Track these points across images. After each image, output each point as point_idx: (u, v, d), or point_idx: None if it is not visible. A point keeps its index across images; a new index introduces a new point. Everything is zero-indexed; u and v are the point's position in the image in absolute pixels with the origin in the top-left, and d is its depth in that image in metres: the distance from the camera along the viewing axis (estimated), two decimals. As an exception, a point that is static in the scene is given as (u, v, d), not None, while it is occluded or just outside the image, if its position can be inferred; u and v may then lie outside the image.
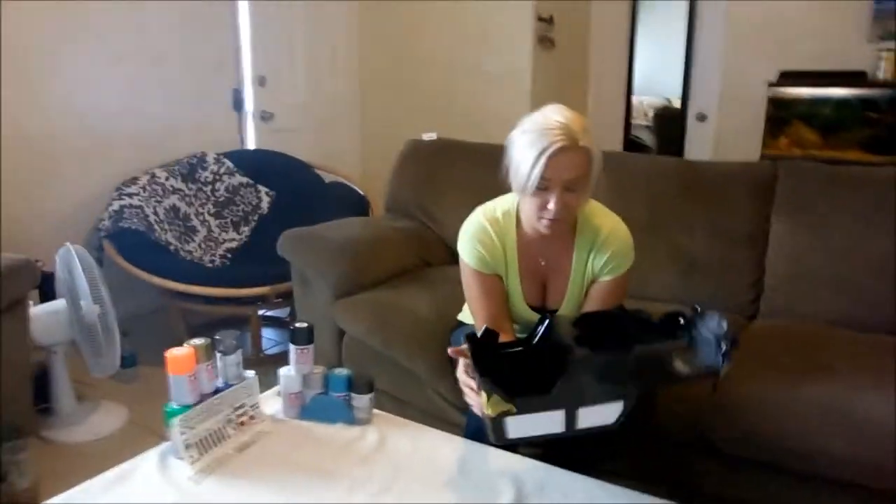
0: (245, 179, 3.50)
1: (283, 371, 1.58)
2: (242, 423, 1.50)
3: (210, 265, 3.17)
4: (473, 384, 1.29)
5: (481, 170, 2.16)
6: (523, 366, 1.34)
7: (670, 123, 5.05)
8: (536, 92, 3.94)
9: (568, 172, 1.42)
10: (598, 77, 4.61)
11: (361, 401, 1.56)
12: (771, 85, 3.62)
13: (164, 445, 1.43)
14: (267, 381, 1.63)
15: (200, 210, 3.34)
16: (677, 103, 5.07)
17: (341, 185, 3.60)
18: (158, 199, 3.17)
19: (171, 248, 3.06)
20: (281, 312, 3.40)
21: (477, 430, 1.45)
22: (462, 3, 4.04)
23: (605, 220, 1.61)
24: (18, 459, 1.94)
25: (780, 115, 3.60)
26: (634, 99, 5.13)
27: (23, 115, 2.89)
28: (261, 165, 3.57)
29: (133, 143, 3.31)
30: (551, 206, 1.45)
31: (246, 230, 3.42)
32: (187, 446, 1.37)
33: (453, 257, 1.90)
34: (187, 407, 1.40)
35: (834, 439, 1.57)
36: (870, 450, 1.53)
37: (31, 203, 2.95)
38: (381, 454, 1.46)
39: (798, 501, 1.67)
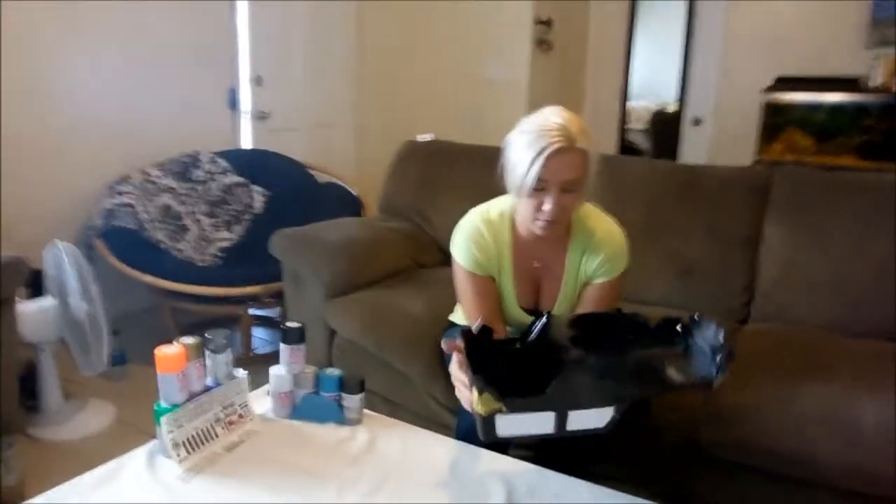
0: (239, 179, 3.48)
1: (273, 370, 1.57)
2: (232, 423, 1.49)
3: (202, 264, 3.15)
4: (466, 379, 1.28)
5: (477, 171, 2.16)
6: (517, 364, 1.33)
7: (665, 127, 5.06)
8: (533, 94, 3.93)
9: (565, 174, 1.42)
10: (595, 80, 4.62)
11: (352, 401, 1.55)
12: (766, 90, 3.63)
13: (152, 444, 1.41)
14: (257, 380, 1.62)
15: (193, 209, 3.32)
16: (673, 107, 5.08)
17: (335, 186, 3.59)
18: (151, 197, 3.15)
19: (163, 246, 3.04)
20: (272, 312, 3.39)
21: (468, 432, 1.44)
22: (460, 4, 4.03)
23: (600, 223, 1.61)
24: (4, 456, 1.93)
25: (776, 120, 3.61)
26: (630, 103, 5.14)
27: (16, 113, 2.87)
28: (255, 165, 3.56)
29: (128, 141, 3.29)
30: (547, 207, 1.44)
31: (239, 229, 3.40)
32: (175, 445, 1.36)
33: (446, 259, 1.89)
34: (176, 405, 1.38)
35: (831, 446, 1.56)
36: (867, 457, 1.52)
37: (23, 200, 2.92)
38: (371, 455, 1.44)
39: (794, 508, 1.65)
